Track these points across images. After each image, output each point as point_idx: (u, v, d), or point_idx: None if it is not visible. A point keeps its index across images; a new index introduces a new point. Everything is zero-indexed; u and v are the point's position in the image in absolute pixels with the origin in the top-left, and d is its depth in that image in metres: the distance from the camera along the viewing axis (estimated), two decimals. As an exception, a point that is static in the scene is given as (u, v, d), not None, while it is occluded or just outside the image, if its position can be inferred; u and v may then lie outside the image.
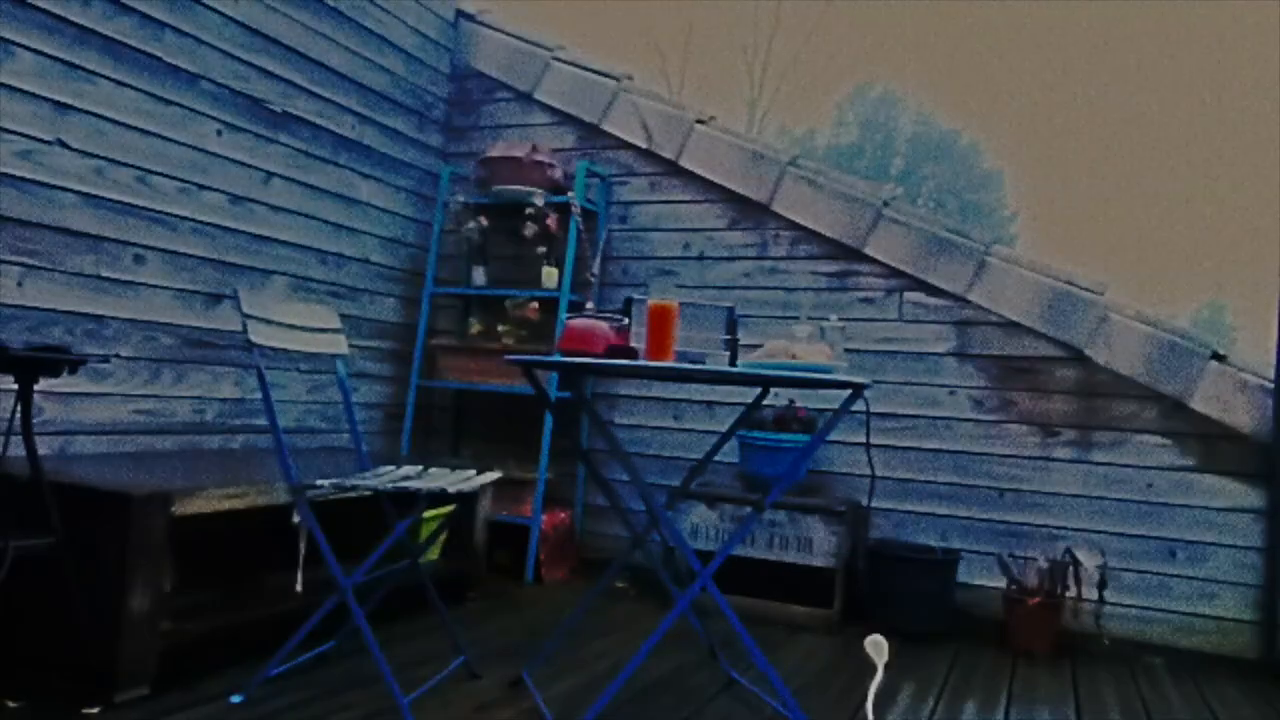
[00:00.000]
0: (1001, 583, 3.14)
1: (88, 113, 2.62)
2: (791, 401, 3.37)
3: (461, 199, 3.86)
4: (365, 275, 3.70)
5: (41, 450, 2.00)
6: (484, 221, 3.79)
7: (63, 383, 2.19)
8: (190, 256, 2.96)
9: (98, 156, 2.66)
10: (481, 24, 4.19)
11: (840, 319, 2.19)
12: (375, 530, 2.38)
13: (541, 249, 3.69)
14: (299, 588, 2.53)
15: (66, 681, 2.02)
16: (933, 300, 3.44)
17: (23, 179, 2.47)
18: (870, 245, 3.51)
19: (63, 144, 2.57)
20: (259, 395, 2.22)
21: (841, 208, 3.58)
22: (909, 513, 3.41)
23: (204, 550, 2.47)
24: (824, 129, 23.63)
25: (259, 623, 2.39)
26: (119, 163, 2.72)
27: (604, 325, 2.02)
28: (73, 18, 2.56)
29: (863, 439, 3.22)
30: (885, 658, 2.18)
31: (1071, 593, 3.08)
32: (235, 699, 2.09)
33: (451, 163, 4.09)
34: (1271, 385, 2.99)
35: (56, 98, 2.54)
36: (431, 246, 3.92)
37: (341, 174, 3.56)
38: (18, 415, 1.97)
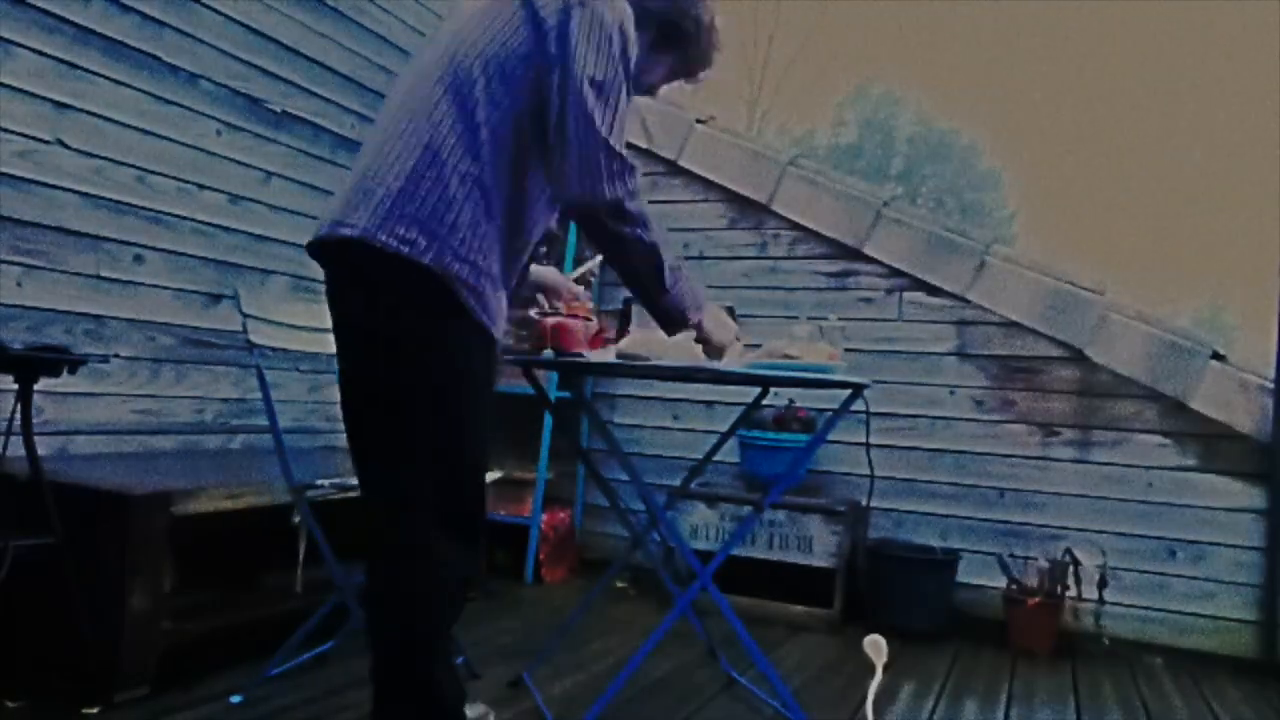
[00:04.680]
0: (1001, 583, 3.14)
1: (87, 112, 2.62)
2: (791, 401, 3.37)
3: (461, 199, 3.85)
4: (365, 275, 3.68)
5: (41, 450, 2.00)
6: (484, 221, 3.79)
7: (62, 383, 2.19)
8: (190, 256, 2.96)
9: (98, 156, 2.66)
10: (481, 24, 4.18)
11: (840, 319, 2.19)
12: (375, 530, 2.37)
13: (541, 249, 3.68)
14: (299, 588, 2.53)
15: (66, 681, 2.02)
16: (933, 300, 3.44)
17: (23, 179, 2.47)
18: (870, 245, 3.51)
19: (63, 144, 2.57)
20: (259, 395, 2.22)
21: (841, 207, 3.58)
22: (909, 512, 3.41)
23: (204, 550, 2.47)
24: (824, 129, 23.62)
25: (259, 623, 2.39)
26: (119, 163, 2.72)
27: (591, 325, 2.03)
28: (73, 18, 2.56)
29: (863, 439, 3.22)
30: (885, 658, 2.18)
31: (1071, 593, 3.08)
32: (235, 699, 2.09)
33: (451, 163, 4.08)
34: (1271, 385, 2.99)
35: (56, 98, 2.54)
36: (431, 246, 3.91)
37: (341, 173, 3.56)
38: (18, 415, 1.97)
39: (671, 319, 1.62)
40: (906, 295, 3.48)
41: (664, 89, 1.78)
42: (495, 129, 1.43)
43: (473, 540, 1.50)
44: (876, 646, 2.17)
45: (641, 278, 1.55)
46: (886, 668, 2.21)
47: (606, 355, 1.96)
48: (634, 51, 1.50)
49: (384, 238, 1.37)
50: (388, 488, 1.48)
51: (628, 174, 1.44)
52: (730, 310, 2.11)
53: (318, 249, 1.49)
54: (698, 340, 1.74)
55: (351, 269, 1.47)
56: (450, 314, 1.41)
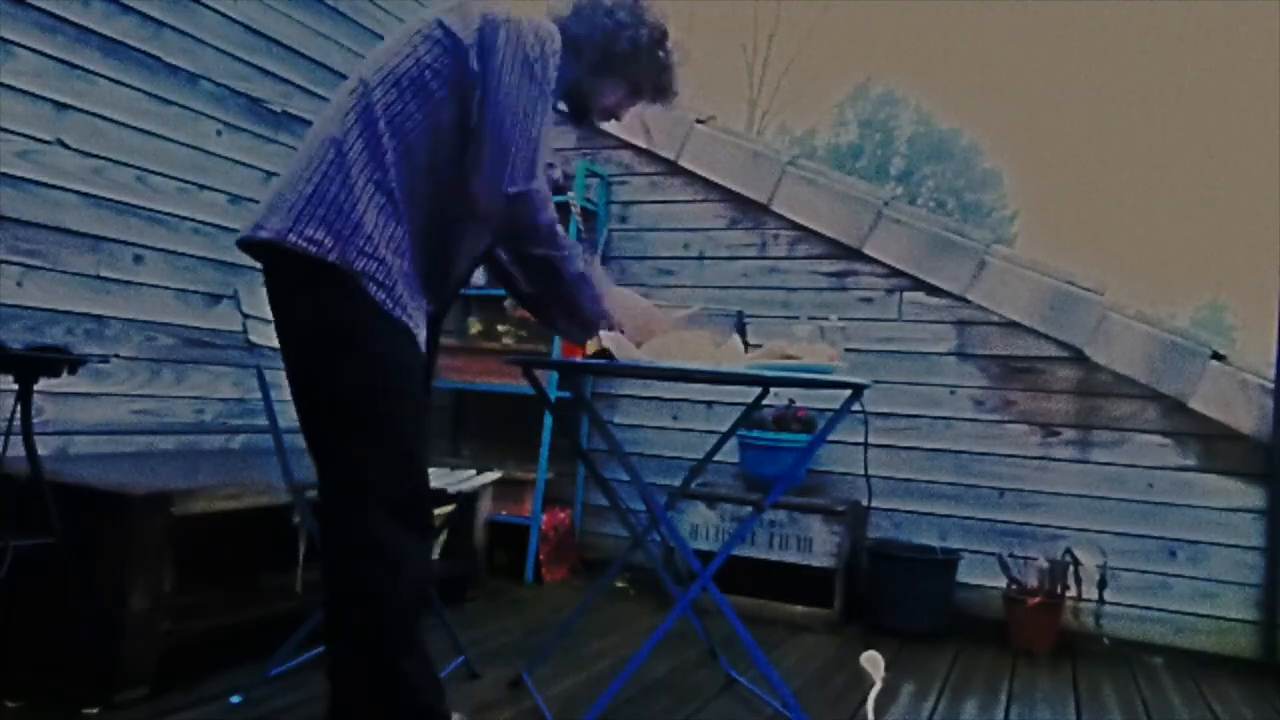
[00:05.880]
0: (1001, 583, 3.14)
1: (87, 113, 2.62)
2: (791, 401, 3.37)
3: (461, 199, 3.85)
4: (365, 275, 3.69)
5: (41, 450, 2.00)
6: (484, 221, 3.79)
7: (63, 383, 2.19)
8: (190, 256, 2.96)
9: (97, 156, 2.66)
10: (481, 24, 4.18)
11: (840, 319, 2.19)
12: (375, 530, 2.37)
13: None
14: (299, 588, 2.53)
15: (66, 681, 2.02)
16: (933, 300, 3.44)
17: (23, 179, 2.47)
18: (870, 245, 3.51)
19: (63, 144, 2.57)
20: (259, 395, 2.22)
21: (841, 207, 3.57)
22: (909, 512, 3.41)
23: (204, 550, 2.47)
24: (824, 129, 23.63)
25: (259, 623, 2.39)
26: (119, 163, 2.72)
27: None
28: (72, 18, 2.56)
29: (862, 439, 3.22)
30: (882, 672, 2.19)
31: (1071, 593, 3.08)
32: (235, 699, 2.09)
33: (451, 163, 4.08)
34: (1271, 385, 2.99)
35: (56, 98, 2.54)
36: (431, 246, 3.91)
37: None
38: (18, 415, 1.97)
39: (585, 323, 1.73)
40: (906, 295, 3.48)
41: (632, 111, 1.81)
42: (404, 138, 1.50)
43: (421, 530, 1.53)
44: (874, 662, 2.18)
45: (553, 288, 1.66)
46: (886, 668, 2.22)
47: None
48: (553, 70, 1.56)
49: (294, 239, 1.45)
50: (333, 485, 1.51)
51: (529, 197, 1.51)
52: (739, 315, 2.12)
53: (244, 248, 1.56)
54: (613, 328, 1.79)
55: (271, 271, 1.54)
56: (363, 309, 1.47)
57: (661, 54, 1.72)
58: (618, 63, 1.70)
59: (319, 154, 1.50)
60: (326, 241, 1.44)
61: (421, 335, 1.54)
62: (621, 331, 1.77)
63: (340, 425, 1.49)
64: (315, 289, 1.47)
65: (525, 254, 1.59)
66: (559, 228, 1.59)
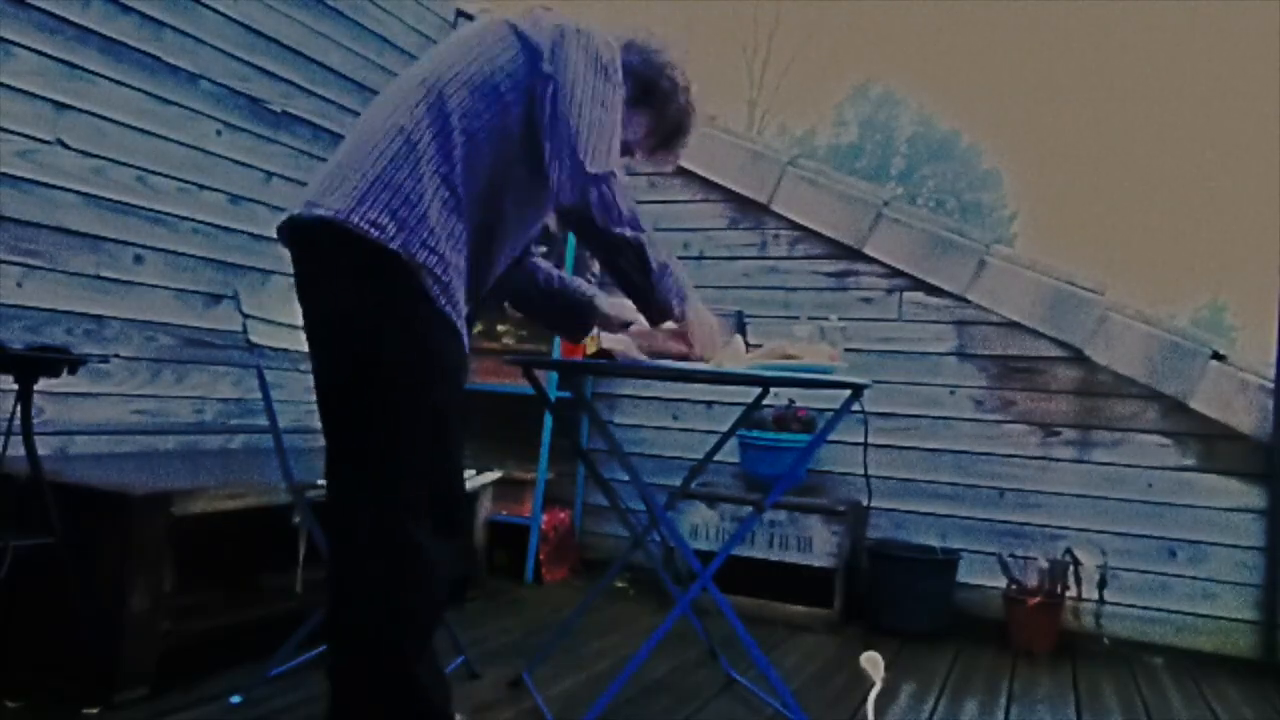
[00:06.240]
0: (1001, 583, 3.14)
1: (87, 113, 2.62)
2: (791, 401, 3.37)
3: (461, 199, 3.85)
4: (365, 275, 3.68)
5: (41, 450, 2.00)
6: (484, 221, 3.79)
7: (63, 383, 2.19)
8: (190, 256, 2.96)
9: (97, 156, 2.66)
10: (481, 24, 4.18)
11: (840, 319, 2.19)
12: (375, 530, 2.37)
13: (541, 249, 3.68)
14: (299, 588, 2.53)
15: (66, 681, 2.01)
16: (933, 300, 3.44)
17: (23, 179, 2.47)
18: (870, 245, 3.51)
19: (63, 144, 2.57)
20: (259, 395, 2.22)
21: (841, 207, 3.57)
22: (909, 512, 3.41)
23: (204, 550, 2.47)
24: (824, 129, 23.64)
25: (259, 623, 2.39)
26: (119, 163, 2.72)
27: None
28: (73, 18, 2.56)
29: (862, 439, 3.22)
30: (882, 673, 2.19)
31: (1071, 593, 3.08)
32: (235, 699, 2.09)
33: (451, 163, 4.08)
34: (1271, 385, 2.99)
35: (56, 98, 2.54)
36: (431, 246, 3.91)
37: (341, 174, 3.55)
38: (18, 415, 1.97)
39: (660, 312, 1.68)
40: (906, 295, 3.48)
41: (640, 156, 1.84)
42: (472, 137, 1.48)
43: (455, 532, 1.51)
44: (874, 662, 2.19)
45: (630, 275, 1.60)
46: (886, 668, 2.22)
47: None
48: (621, 74, 1.57)
49: (356, 220, 1.40)
50: (364, 483, 1.46)
51: (612, 180, 1.49)
52: (739, 314, 2.11)
53: (288, 230, 1.52)
54: (678, 332, 1.77)
55: (321, 252, 1.49)
56: (415, 301, 1.43)
57: (689, 100, 1.78)
58: (657, 98, 1.73)
59: (384, 140, 1.45)
60: (390, 228, 1.40)
61: (465, 335, 1.51)
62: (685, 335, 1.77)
63: (379, 416, 1.44)
64: (370, 276, 1.43)
65: (606, 240, 1.54)
66: (640, 213, 1.56)
